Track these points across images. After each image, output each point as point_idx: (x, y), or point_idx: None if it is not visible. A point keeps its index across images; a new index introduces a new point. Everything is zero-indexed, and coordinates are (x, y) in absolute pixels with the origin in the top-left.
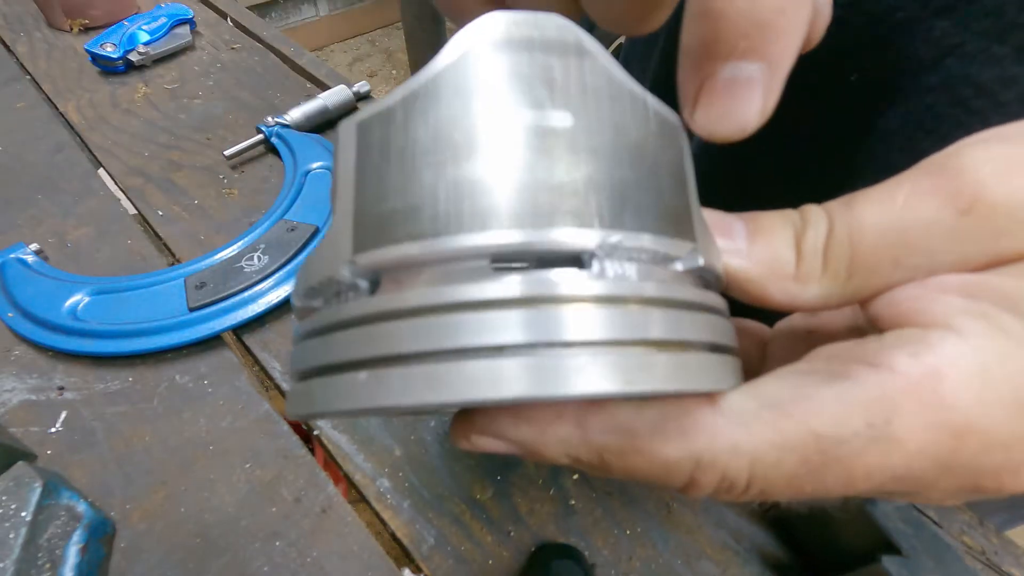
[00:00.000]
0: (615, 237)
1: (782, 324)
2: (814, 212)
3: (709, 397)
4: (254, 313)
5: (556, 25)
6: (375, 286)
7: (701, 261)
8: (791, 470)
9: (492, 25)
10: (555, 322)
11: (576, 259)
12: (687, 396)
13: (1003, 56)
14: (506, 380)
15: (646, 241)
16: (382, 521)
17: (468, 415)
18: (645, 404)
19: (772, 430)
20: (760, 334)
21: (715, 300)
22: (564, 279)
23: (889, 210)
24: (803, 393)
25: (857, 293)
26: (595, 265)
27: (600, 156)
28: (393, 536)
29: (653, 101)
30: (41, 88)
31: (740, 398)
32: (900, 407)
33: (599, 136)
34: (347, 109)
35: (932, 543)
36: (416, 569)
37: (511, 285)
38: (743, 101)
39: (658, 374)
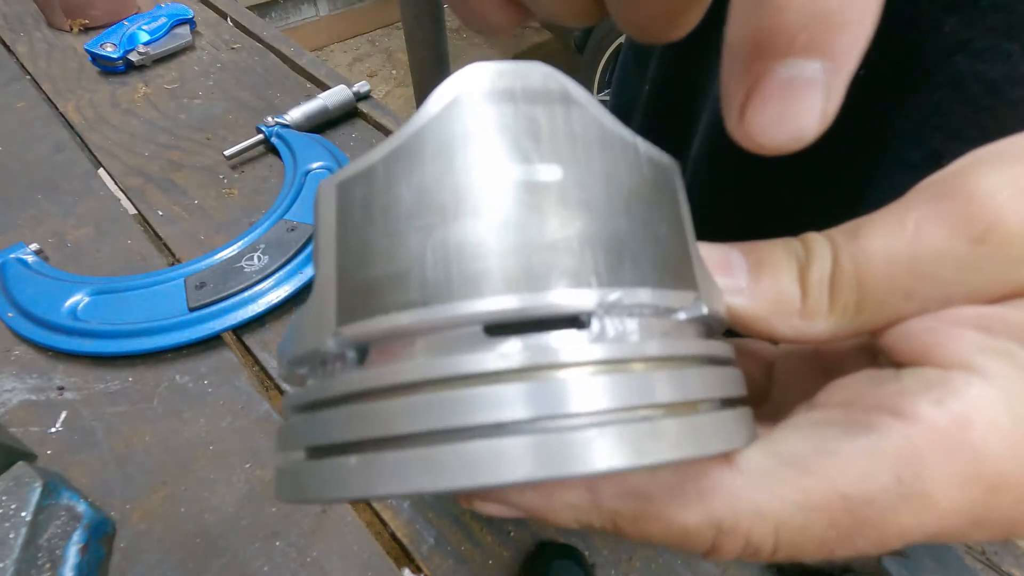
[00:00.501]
0: (614, 295)
1: (787, 344)
2: (817, 242)
3: (725, 455)
4: (254, 313)
5: (540, 74)
6: (363, 355)
7: (704, 310)
8: (819, 533)
9: (475, 77)
10: (557, 393)
11: (574, 319)
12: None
13: (1013, 53)
14: (509, 462)
15: (646, 296)
16: (382, 521)
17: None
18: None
19: (796, 490)
20: (765, 355)
21: (721, 349)
22: (564, 345)
23: (897, 239)
24: (825, 448)
25: (867, 326)
26: (595, 324)
27: (593, 209)
28: (393, 536)
29: (644, 145)
30: (41, 88)
31: (759, 456)
32: (929, 460)
33: (590, 188)
34: (347, 109)
35: (932, 543)
36: (416, 569)
37: (509, 356)
38: (802, 106)
39: (669, 442)
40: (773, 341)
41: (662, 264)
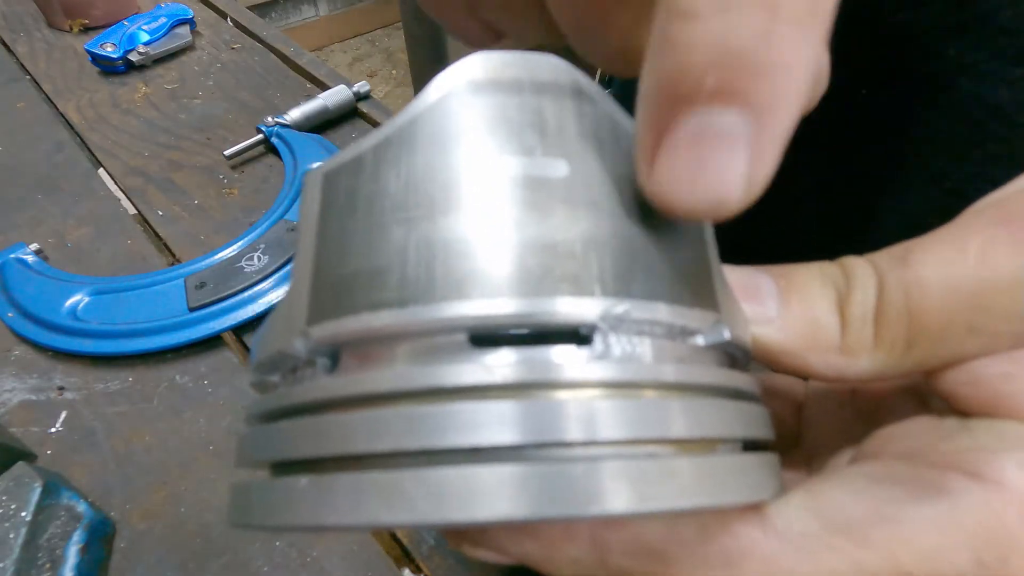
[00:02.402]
0: (621, 307)
1: (821, 382)
2: (860, 268)
3: (754, 509)
4: (254, 313)
5: (550, 66)
6: (336, 362)
7: (727, 335)
8: None
9: (477, 65)
10: (551, 417)
11: (573, 334)
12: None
13: (1018, 78)
14: (485, 496)
15: (660, 312)
16: None
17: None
18: (679, 518)
19: (848, 564)
20: (794, 393)
21: (746, 383)
22: (562, 361)
23: (958, 266)
24: (886, 513)
25: (920, 365)
26: (598, 341)
27: (602, 210)
28: (393, 536)
29: None
30: (41, 88)
31: (800, 516)
32: (1019, 539)
33: (600, 187)
34: (347, 109)
35: None
36: (416, 569)
37: (495, 369)
38: (718, 164)
39: (681, 486)
40: (804, 377)
41: (679, 279)
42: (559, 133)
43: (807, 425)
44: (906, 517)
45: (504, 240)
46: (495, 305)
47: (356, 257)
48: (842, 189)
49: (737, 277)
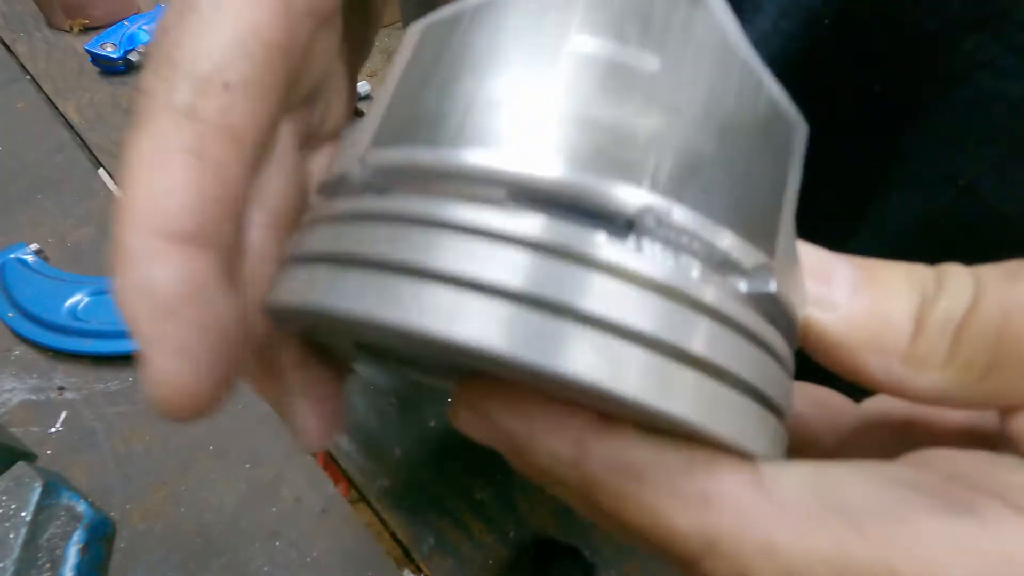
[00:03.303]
0: (669, 208)
1: (872, 405)
2: (957, 277)
3: (748, 464)
4: None
5: None
6: (386, 191)
7: (773, 286)
8: None
9: None
10: (567, 278)
11: (608, 222)
12: (706, 444)
13: None
14: (465, 320)
15: (706, 229)
16: (382, 521)
17: (467, 386)
18: (668, 447)
19: (832, 547)
20: (838, 413)
21: (780, 345)
22: (594, 239)
23: None
24: (897, 513)
25: (995, 396)
26: (631, 238)
27: (681, 116)
28: (393, 536)
29: (772, 84)
30: (41, 88)
31: (797, 484)
32: None
33: (687, 94)
34: None
35: None
36: (416, 569)
37: (524, 222)
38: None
39: (673, 391)
40: (856, 388)
41: (740, 210)
42: (662, 31)
43: (846, 451)
44: (917, 522)
45: (566, 113)
46: (536, 167)
47: (426, 101)
48: (853, 185)
49: (812, 255)
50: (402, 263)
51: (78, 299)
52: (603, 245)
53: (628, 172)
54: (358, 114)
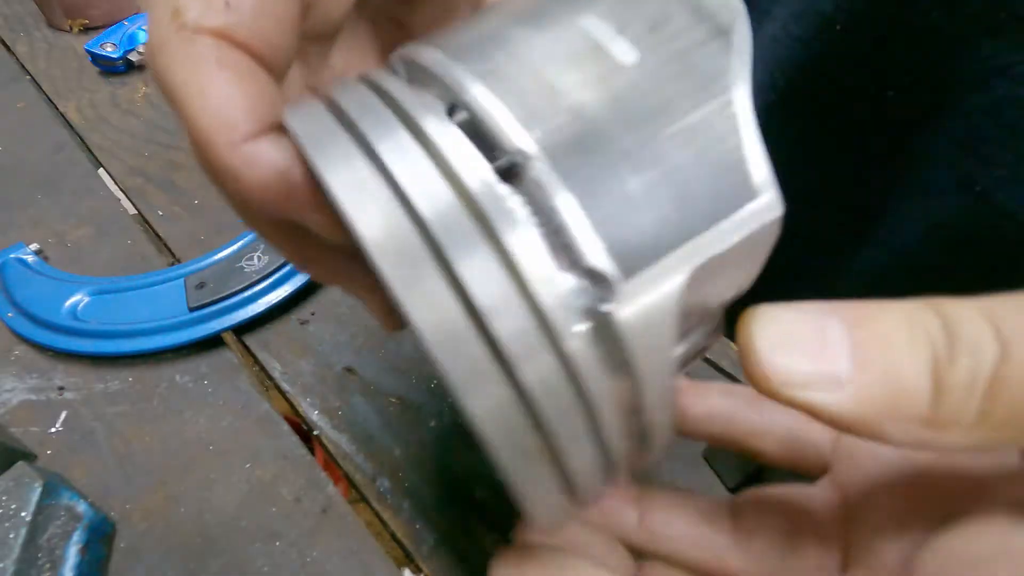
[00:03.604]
0: (533, 160)
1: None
2: (969, 324)
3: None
4: (254, 313)
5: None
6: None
7: (604, 306)
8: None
9: None
10: (398, 138)
11: (489, 149)
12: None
13: None
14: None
15: (559, 201)
16: (382, 521)
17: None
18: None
19: None
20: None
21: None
22: (466, 150)
23: None
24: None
25: None
26: (501, 163)
27: (622, 107)
28: (393, 536)
29: (754, 144)
30: (41, 88)
31: None
32: None
33: (643, 97)
34: None
35: None
36: (416, 569)
37: (426, 116)
38: None
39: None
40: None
41: (620, 216)
42: (662, 39)
43: (852, 505)
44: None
45: (527, 62)
46: (472, 91)
47: (472, 25)
48: (866, 192)
49: (797, 320)
50: (353, 120)
51: (78, 299)
52: (451, 141)
53: (531, 118)
54: None
